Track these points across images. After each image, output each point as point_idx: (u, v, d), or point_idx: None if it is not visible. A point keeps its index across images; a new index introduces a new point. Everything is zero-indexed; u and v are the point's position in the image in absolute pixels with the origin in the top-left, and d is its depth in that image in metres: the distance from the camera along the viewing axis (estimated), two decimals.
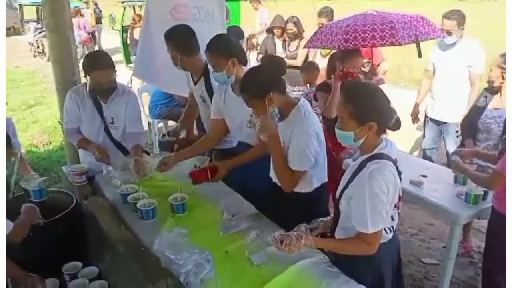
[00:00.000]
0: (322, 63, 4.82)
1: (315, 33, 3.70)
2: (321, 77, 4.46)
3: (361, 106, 1.84)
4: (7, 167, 2.61)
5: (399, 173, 1.91)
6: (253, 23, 9.64)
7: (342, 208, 1.96)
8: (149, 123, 5.94)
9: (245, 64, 2.79)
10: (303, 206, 2.31)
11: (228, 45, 2.75)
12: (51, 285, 2.34)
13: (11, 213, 2.36)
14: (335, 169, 2.68)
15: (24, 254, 2.49)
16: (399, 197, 1.94)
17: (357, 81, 3.06)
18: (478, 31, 4.11)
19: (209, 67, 2.94)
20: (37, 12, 16.24)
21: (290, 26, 5.57)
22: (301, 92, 4.76)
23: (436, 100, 4.29)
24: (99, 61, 2.89)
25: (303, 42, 5.71)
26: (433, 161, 4.13)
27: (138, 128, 3.18)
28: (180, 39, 2.99)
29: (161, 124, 6.39)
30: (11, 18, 20.34)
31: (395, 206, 1.92)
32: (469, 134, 3.46)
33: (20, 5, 18.05)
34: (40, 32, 14.17)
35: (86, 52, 12.52)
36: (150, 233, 2.32)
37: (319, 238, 2.06)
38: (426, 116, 4.47)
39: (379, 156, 1.86)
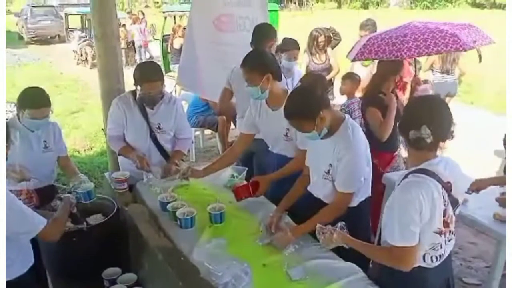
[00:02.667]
0: (363, 73, 4.78)
1: (364, 45, 3.54)
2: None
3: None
4: None
5: (454, 201, 1.82)
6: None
7: (384, 219, 1.92)
8: None
9: (279, 79, 2.78)
10: (346, 220, 2.26)
11: (263, 60, 2.76)
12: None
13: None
14: (375, 183, 2.65)
15: (66, 257, 2.58)
16: (446, 223, 1.83)
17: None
18: None
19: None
20: (81, 21, 16.87)
21: (321, 38, 5.50)
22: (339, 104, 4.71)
23: None
24: (150, 74, 2.96)
25: (329, 52, 5.64)
26: None
27: (187, 134, 3.36)
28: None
29: (198, 132, 6.49)
30: (57, 26, 21.32)
31: (441, 232, 1.82)
32: None
33: (66, 14, 18.81)
34: (84, 41, 14.69)
35: (144, 54, 13.34)
36: (189, 242, 2.34)
37: (351, 237, 2.02)
38: None
39: (424, 171, 1.79)
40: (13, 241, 2.07)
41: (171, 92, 6.67)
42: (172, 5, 13.88)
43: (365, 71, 4.88)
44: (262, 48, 3.37)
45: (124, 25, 14.22)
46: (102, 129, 3.98)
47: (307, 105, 2.20)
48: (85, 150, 6.68)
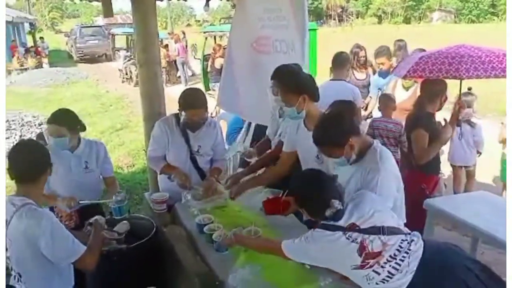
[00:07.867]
0: (403, 95, 4.70)
1: (417, 63, 3.45)
2: (400, 110, 4.34)
3: None
4: None
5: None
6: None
7: None
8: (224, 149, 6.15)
9: (317, 100, 2.77)
10: None
11: (299, 82, 2.74)
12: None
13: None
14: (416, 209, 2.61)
15: (103, 278, 2.64)
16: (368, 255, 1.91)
17: None
18: None
19: None
20: (127, 41, 17.56)
21: (362, 53, 5.46)
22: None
23: None
24: (194, 101, 3.06)
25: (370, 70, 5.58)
26: None
27: (223, 156, 3.51)
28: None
29: None
30: (104, 46, 22.34)
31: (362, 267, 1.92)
32: None
33: (112, 34, 19.66)
34: (128, 60, 15.28)
35: (186, 71, 14.07)
36: (224, 266, 2.36)
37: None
38: None
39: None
40: (53, 264, 2.15)
41: (211, 113, 6.86)
42: (212, 25, 14.31)
43: (406, 93, 4.78)
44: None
45: (166, 45, 14.70)
46: (144, 150, 4.11)
47: (336, 133, 2.19)
48: (127, 167, 6.91)
